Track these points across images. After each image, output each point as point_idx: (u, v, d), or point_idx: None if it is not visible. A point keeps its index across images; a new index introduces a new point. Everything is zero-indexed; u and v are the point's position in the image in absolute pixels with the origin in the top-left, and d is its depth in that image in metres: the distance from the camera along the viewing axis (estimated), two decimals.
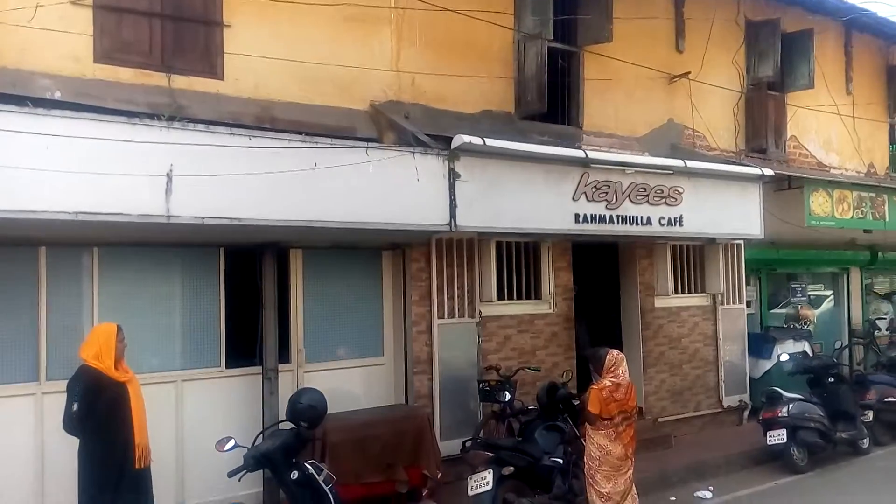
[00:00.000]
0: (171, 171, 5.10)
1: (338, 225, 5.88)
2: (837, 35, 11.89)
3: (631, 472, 5.79)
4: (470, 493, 5.58)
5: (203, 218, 5.25)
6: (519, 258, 7.95)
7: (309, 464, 5.03)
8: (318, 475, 4.98)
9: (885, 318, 12.69)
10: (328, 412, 5.40)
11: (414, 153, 6.35)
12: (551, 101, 8.22)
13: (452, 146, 6.52)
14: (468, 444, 6.11)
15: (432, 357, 7.14)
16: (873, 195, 10.54)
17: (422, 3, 6.87)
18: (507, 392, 6.89)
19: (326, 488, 4.95)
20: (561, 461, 6.13)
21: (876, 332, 11.77)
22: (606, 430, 5.67)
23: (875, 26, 11.99)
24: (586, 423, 5.80)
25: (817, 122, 11.47)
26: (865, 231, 11.33)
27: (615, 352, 5.90)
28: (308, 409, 5.13)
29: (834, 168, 11.71)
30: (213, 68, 6.30)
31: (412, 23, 7.31)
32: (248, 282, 6.40)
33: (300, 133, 5.86)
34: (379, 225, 6.08)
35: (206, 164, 5.21)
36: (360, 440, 5.98)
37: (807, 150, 11.39)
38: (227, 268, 6.40)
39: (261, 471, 5.42)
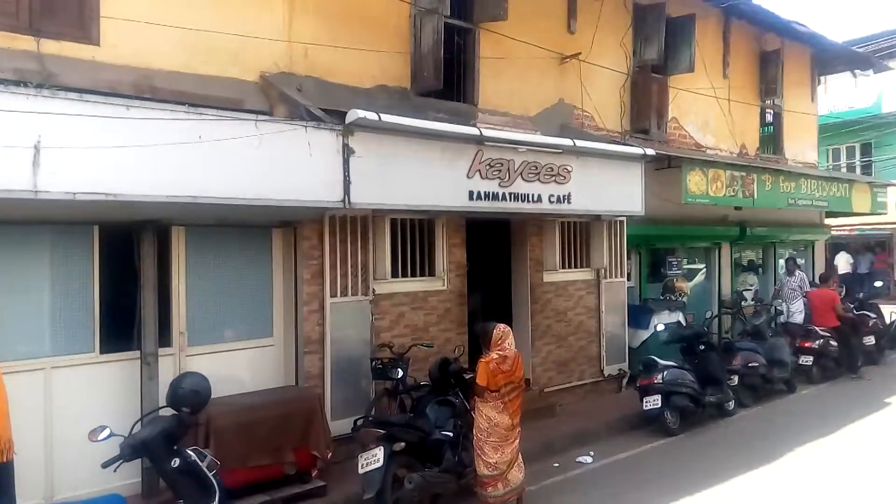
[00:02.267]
0: (38, 142, 4.69)
1: (223, 201, 5.63)
2: (717, 21, 12.53)
3: (517, 441, 6.02)
4: (360, 470, 5.61)
5: (75, 193, 4.87)
6: (413, 235, 7.96)
7: (191, 450, 4.89)
8: (202, 462, 4.85)
9: (750, 290, 13.71)
10: (212, 396, 5.26)
11: (306, 127, 6.16)
12: (447, 77, 8.21)
13: (347, 121, 6.38)
14: (359, 422, 6.11)
15: (324, 336, 7.05)
16: (744, 174, 11.23)
17: None
18: (399, 369, 6.92)
19: (210, 475, 4.84)
20: (451, 434, 6.28)
21: (743, 303, 12.67)
22: (494, 401, 5.85)
23: (751, 14, 12.71)
24: (475, 396, 5.96)
25: (696, 105, 12.07)
26: (736, 208, 12.13)
27: (502, 326, 6.06)
28: (190, 394, 4.97)
29: (710, 149, 12.40)
30: (87, 33, 5.83)
31: None
32: (126, 262, 6.04)
33: (183, 104, 5.53)
34: (268, 201, 5.88)
35: (78, 135, 4.83)
36: (245, 424, 5.84)
37: (686, 131, 12.00)
38: (103, 247, 5.99)
39: (139, 460, 5.21)
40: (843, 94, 21.28)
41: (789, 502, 6.28)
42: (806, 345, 11.26)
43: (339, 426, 6.83)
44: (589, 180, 8.62)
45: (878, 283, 15.93)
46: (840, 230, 19.41)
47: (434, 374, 6.76)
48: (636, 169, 9.30)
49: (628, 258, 10.74)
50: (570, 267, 9.72)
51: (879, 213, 16.02)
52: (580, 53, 9.72)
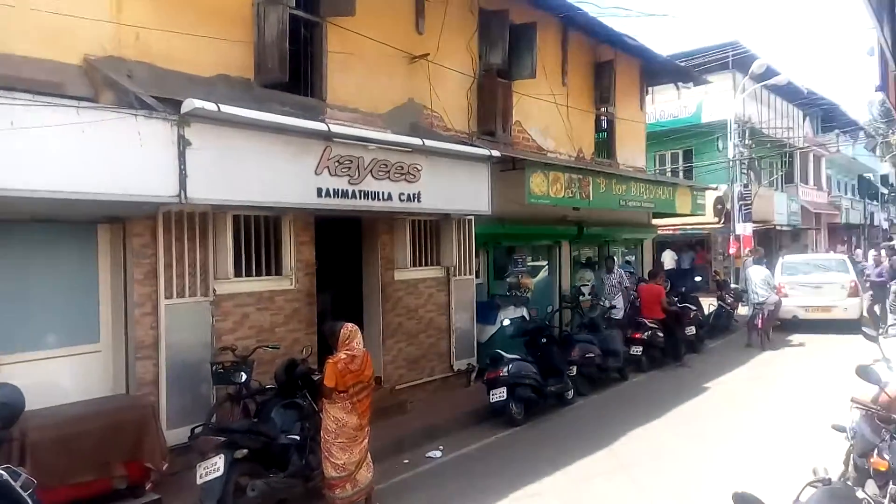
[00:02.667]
0: None
1: (38, 195, 5.13)
2: (557, 31, 13.18)
3: (366, 441, 5.98)
4: (199, 481, 5.33)
5: None
6: (259, 232, 7.64)
7: (3, 469, 4.37)
8: (15, 481, 4.35)
9: (588, 285, 14.51)
10: (29, 409, 4.73)
11: (137, 116, 5.77)
12: (294, 70, 8.01)
13: (182, 111, 6.05)
14: (197, 430, 5.78)
15: (158, 340, 6.59)
16: (581, 177, 11.90)
17: None
18: (242, 373, 6.62)
19: (25, 495, 4.35)
20: (298, 437, 6.13)
21: (581, 297, 13.44)
22: (343, 402, 5.77)
23: (586, 26, 13.47)
24: (323, 398, 5.84)
25: (538, 110, 12.63)
26: (574, 208, 12.86)
27: (349, 325, 5.99)
28: (0, 407, 4.44)
29: (550, 152, 13.03)
30: None
31: None
32: None
33: None
34: (90, 195, 5.42)
35: None
36: (66, 437, 5.33)
37: (529, 134, 12.53)
38: None
39: None
40: (668, 105, 23.21)
41: (620, 482, 6.72)
42: (636, 336, 12.12)
43: (177, 435, 6.42)
44: (438, 179, 8.76)
45: (698, 279, 17.54)
46: (665, 229, 21.13)
47: (280, 376, 6.56)
48: (483, 169, 9.58)
49: (477, 256, 11.02)
50: (420, 265, 9.81)
51: (699, 214, 17.68)
52: (429, 54, 9.84)
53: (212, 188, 6.31)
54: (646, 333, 12.16)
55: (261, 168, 6.74)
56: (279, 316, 7.82)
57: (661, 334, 12.42)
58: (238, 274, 7.31)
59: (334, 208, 7.61)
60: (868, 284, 16.35)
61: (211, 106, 6.13)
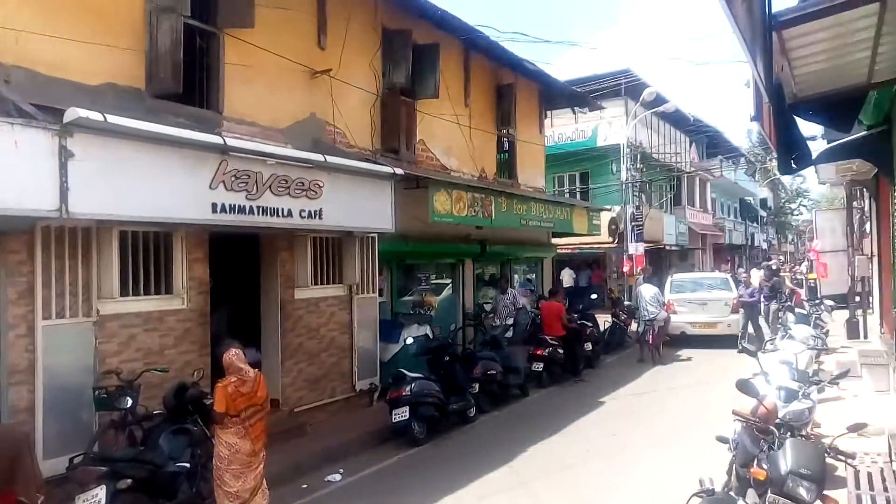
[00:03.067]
0: None
1: None
2: (459, 52, 13.40)
3: (261, 467, 5.79)
4: None
5: None
6: (148, 249, 7.28)
7: None
8: None
9: (490, 302, 14.80)
10: None
11: (13, 125, 5.39)
12: (189, 81, 7.73)
13: (65, 120, 5.71)
14: (77, 459, 5.39)
15: (35, 364, 6.11)
16: (483, 196, 12.10)
17: None
18: (128, 398, 6.24)
19: None
20: (188, 465, 5.87)
21: (483, 315, 13.63)
22: (236, 426, 5.59)
23: (488, 49, 13.78)
24: (215, 423, 5.61)
25: (441, 129, 12.76)
26: (477, 227, 13.04)
27: (232, 350, 5.78)
28: None
29: (454, 171, 13.18)
30: None
31: None
32: None
33: None
34: None
35: None
36: None
37: (432, 153, 12.63)
38: None
39: None
40: (565, 128, 24.07)
41: (521, 498, 6.80)
42: (538, 352, 12.38)
43: (55, 465, 5.94)
44: (341, 196, 8.66)
45: (594, 296, 18.16)
46: (564, 248, 21.81)
47: (169, 401, 6.27)
48: (387, 187, 9.55)
49: (380, 274, 10.95)
50: (322, 283, 9.63)
51: (595, 234, 18.37)
52: (331, 70, 9.75)
53: (96, 202, 5.96)
54: (546, 350, 12.41)
55: (151, 182, 6.44)
56: (169, 337, 7.45)
57: (560, 351, 12.72)
58: (125, 293, 6.92)
59: (230, 224, 7.36)
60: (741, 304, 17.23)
61: (96, 116, 5.81)
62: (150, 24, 7.38)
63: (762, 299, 16.29)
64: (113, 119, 5.98)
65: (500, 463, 7.82)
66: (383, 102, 11.19)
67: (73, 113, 5.68)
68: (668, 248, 28.35)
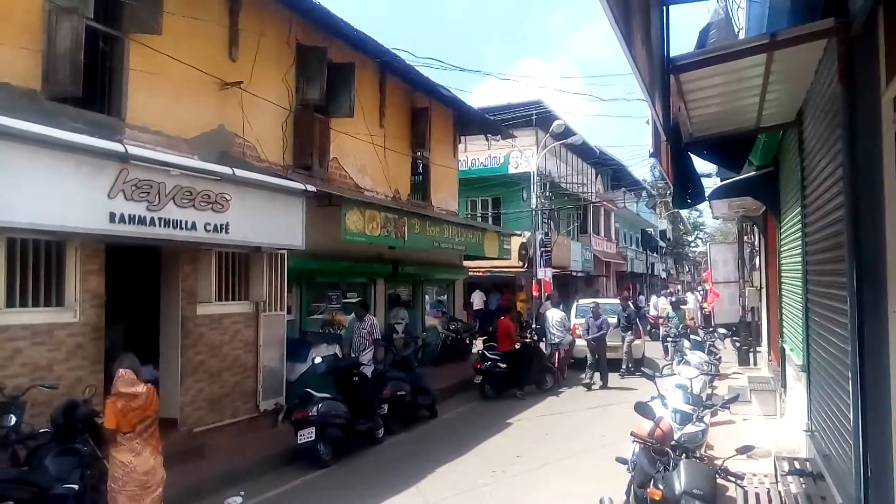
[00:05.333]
0: None
1: None
2: (375, 74, 13.48)
3: (160, 490, 5.50)
4: None
5: None
6: (38, 258, 6.86)
7: None
8: None
9: (402, 323, 14.74)
10: None
11: None
12: (90, 86, 7.43)
13: None
14: None
15: None
16: (397, 217, 12.15)
17: None
18: (11, 415, 5.84)
19: None
20: (77, 487, 5.48)
21: (395, 335, 13.56)
22: (129, 442, 5.33)
23: (404, 73, 13.94)
24: (107, 441, 5.30)
25: (356, 148, 12.75)
26: (390, 247, 13.05)
27: (121, 370, 5.48)
28: None
29: (367, 190, 13.16)
30: None
31: None
32: None
33: None
34: None
35: None
36: None
37: (346, 171, 12.58)
38: None
39: None
40: (479, 154, 24.54)
41: None
42: (478, 366, 12.96)
43: None
44: (249, 211, 8.48)
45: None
46: (475, 271, 22.08)
47: (57, 419, 5.89)
48: (298, 204, 9.42)
49: (289, 291, 10.73)
50: (227, 299, 9.34)
51: (505, 258, 18.74)
52: (242, 82, 9.58)
53: None
54: (485, 364, 12.88)
55: (43, 188, 6.11)
56: (59, 352, 7.01)
57: (501, 365, 13.06)
58: (10, 304, 6.50)
59: (129, 235, 7.06)
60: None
61: None
62: (49, 24, 7.05)
63: (621, 330, 16.39)
64: (2, 121, 5.65)
65: (407, 485, 7.75)
66: (296, 118, 11.07)
67: None
68: (574, 273, 29.21)
